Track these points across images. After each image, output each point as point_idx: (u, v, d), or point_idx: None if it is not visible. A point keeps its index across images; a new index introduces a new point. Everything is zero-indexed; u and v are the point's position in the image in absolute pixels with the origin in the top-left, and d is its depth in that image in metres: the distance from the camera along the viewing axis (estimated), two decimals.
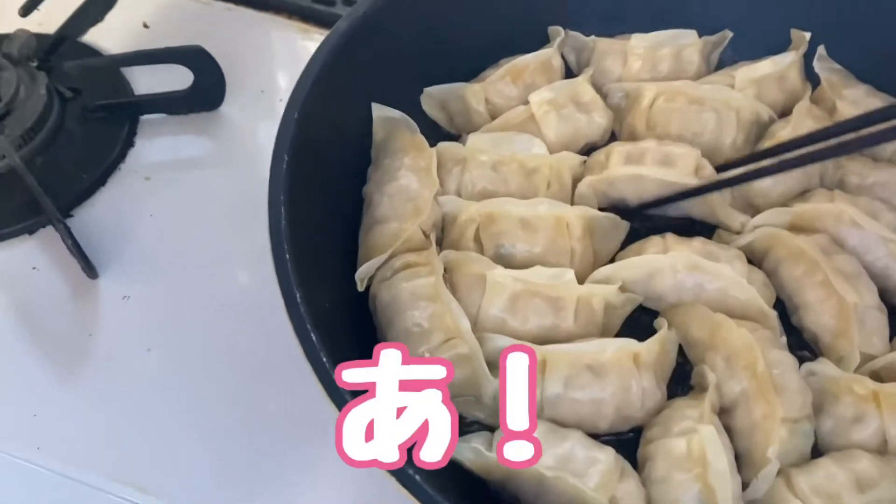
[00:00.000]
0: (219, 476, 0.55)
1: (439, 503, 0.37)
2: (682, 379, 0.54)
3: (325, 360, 0.41)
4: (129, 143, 0.73)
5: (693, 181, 0.57)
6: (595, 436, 0.49)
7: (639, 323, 0.56)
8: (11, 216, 0.67)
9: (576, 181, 0.60)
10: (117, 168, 0.71)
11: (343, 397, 0.39)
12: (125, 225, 0.68)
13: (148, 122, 0.74)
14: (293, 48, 0.82)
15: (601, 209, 0.59)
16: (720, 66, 0.69)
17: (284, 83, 0.79)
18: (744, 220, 0.59)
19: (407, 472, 0.38)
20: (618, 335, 0.54)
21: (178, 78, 0.73)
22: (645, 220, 0.60)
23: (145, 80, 0.76)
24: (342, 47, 0.55)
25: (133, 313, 0.63)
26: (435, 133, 0.64)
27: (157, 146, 0.73)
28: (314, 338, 0.42)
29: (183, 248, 0.67)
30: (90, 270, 0.64)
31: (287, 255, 0.44)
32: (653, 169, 0.57)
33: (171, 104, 0.74)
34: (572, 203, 0.59)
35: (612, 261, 0.57)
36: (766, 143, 0.61)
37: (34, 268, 0.65)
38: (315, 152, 0.53)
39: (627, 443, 0.51)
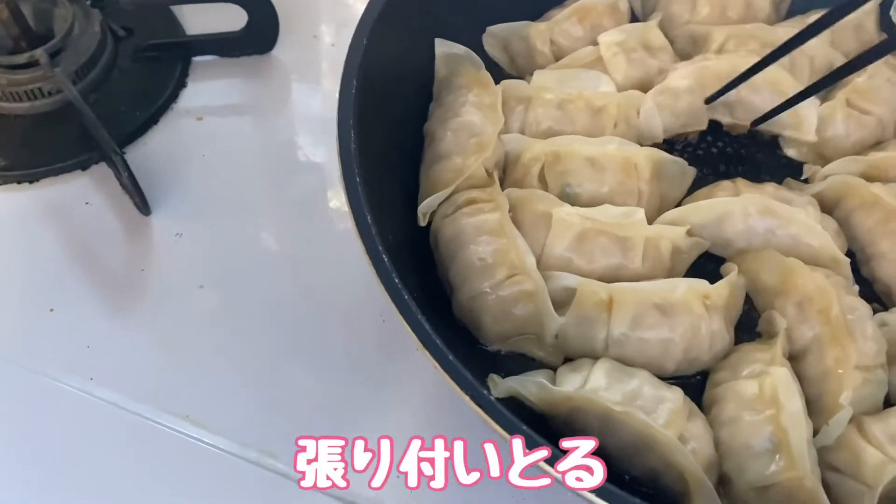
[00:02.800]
0: (270, 410, 0.55)
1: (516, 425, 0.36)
2: (747, 326, 0.53)
3: (397, 281, 0.40)
4: (182, 84, 0.72)
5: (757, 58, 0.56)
6: (660, 378, 0.48)
7: (704, 270, 0.54)
8: (65, 151, 0.67)
9: None
10: (169, 108, 0.71)
11: (416, 318, 0.39)
12: (177, 164, 0.68)
13: (200, 64, 0.74)
14: None
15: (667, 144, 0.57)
16: (789, 16, 0.67)
17: (336, 29, 0.78)
18: (815, 170, 0.57)
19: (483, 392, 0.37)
20: None
21: (228, 20, 0.72)
22: (712, 167, 0.59)
23: (196, 22, 0.76)
24: None
25: (185, 250, 0.63)
26: (495, 75, 0.63)
27: (209, 88, 0.73)
28: (386, 259, 0.41)
29: (234, 188, 0.67)
30: (144, 206, 0.63)
31: (358, 179, 0.44)
32: (715, 58, 0.56)
33: (223, 46, 0.74)
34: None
35: (678, 206, 0.56)
36: (840, 92, 0.59)
37: (87, 203, 0.65)
38: (379, 83, 0.52)
39: (692, 386, 0.49)
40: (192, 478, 0.54)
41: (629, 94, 0.58)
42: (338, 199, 0.66)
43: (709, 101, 0.57)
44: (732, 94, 0.58)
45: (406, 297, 0.40)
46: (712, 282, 0.51)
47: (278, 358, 0.57)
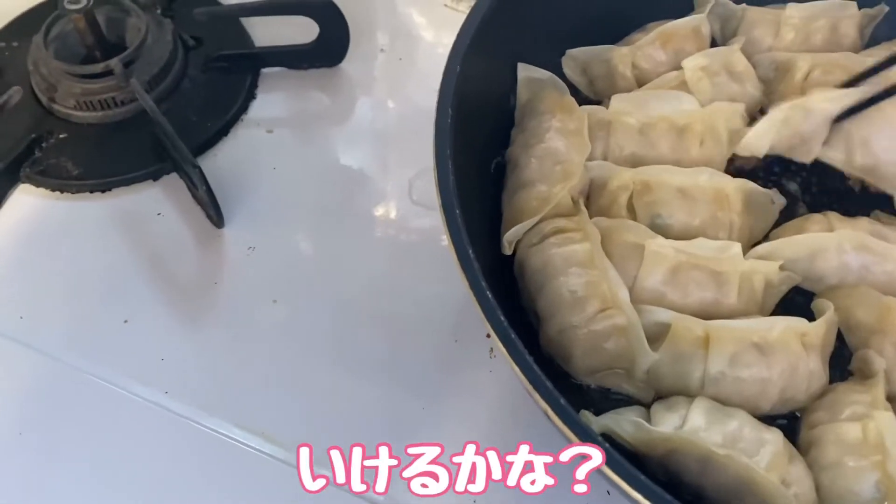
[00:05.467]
0: (346, 428, 0.55)
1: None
2: (837, 364, 0.52)
3: (502, 318, 0.40)
4: (252, 95, 0.72)
5: None
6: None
7: (792, 304, 0.53)
8: (137, 161, 0.67)
9: (732, 135, 0.56)
10: (240, 119, 0.71)
11: (524, 358, 0.38)
12: (248, 176, 0.68)
13: (269, 75, 0.74)
14: (414, 7, 0.80)
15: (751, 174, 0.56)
16: (871, 42, 0.66)
17: (403, 43, 0.77)
18: None
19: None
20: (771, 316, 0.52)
21: (295, 33, 0.72)
22: (795, 198, 0.58)
23: (264, 34, 0.75)
24: (498, 5, 0.54)
25: (258, 264, 0.63)
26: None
27: (279, 100, 0.73)
28: (489, 295, 0.40)
29: (307, 202, 0.66)
30: (218, 219, 0.63)
31: (457, 210, 0.43)
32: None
33: (292, 58, 0.73)
34: (732, 154, 0.56)
35: (765, 238, 0.55)
36: None
37: (159, 214, 0.65)
38: (468, 110, 0.51)
39: (784, 427, 0.48)
40: (266, 494, 0.54)
41: (714, 107, 0.56)
42: (414, 216, 0.65)
43: (839, 118, 0.54)
44: (856, 130, 0.54)
45: (513, 335, 0.39)
46: (802, 317, 0.50)
47: (353, 375, 0.57)
